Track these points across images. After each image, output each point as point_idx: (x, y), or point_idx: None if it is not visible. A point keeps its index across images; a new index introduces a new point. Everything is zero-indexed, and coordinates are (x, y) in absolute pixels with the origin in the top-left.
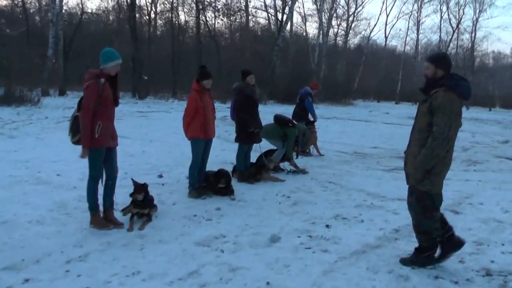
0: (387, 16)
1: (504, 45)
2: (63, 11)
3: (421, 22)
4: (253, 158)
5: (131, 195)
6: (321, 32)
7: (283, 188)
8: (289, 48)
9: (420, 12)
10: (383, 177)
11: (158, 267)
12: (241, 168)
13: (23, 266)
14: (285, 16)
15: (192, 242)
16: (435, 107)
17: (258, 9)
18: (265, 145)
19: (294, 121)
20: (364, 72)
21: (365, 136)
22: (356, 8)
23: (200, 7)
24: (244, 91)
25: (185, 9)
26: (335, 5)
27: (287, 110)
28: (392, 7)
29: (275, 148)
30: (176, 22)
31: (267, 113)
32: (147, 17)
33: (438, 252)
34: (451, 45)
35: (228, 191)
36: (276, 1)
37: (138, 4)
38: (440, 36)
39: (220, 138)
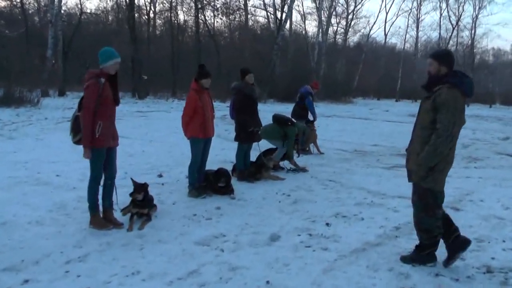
0: (387, 13)
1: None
2: (62, 11)
3: (420, 19)
4: (253, 157)
5: (131, 194)
6: (320, 30)
7: (283, 187)
8: (288, 47)
9: (420, 9)
10: (383, 175)
11: (158, 267)
12: (240, 167)
13: (23, 267)
14: (284, 15)
15: (191, 241)
16: (439, 104)
17: (257, 7)
18: (264, 144)
19: (293, 119)
20: (364, 70)
21: (365, 134)
22: (355, 6)
23: (199, 6)
24: (243, 90)
25: (184, 9)
26: (334, 3)
27: (287, 109)
28: (391, 5)
29: (274, 147)
30: (175, 21)
31: (267, 111)
32: (146, 17)
33: (445, 255)
34: (451, 42)
35: (228, 190)
36: (275, 0)
37: (137, 4)
38: (439, 33)
39: (220, 137)
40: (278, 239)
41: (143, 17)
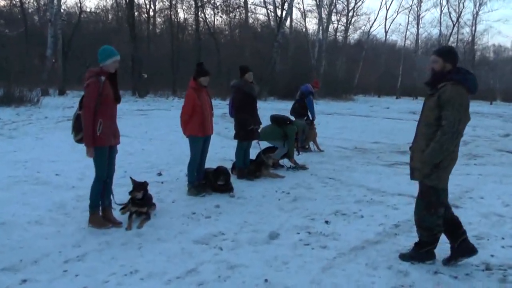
0: (387, 10)
1: (505, 38)
2: (62, 10)
3: (421, 16)
4: (253, 155)
5: (130, 193)
6: (320, 27)
7: (282, 185)
8: (288, 44)
9: (420, 6)
10: (383, 172)
11: (157, 265)
12: (240, 165)
13: (21, 267)
14: (284, 12)
15: (190, 240)
16: (444, 101)
17: (257, 5)
18: (264, 142)
19: (292, 117)
20: (365, 67)
21: (365, 131)
22: (355, 3)
23: (199, 4)
24: (242, 88)
25: (184, 7)
26: (334, 0)
27: (287, 107)
28: (392, 2)
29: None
30: (175, 19)
31: (267, 109)
32: (146, 15)
33: (446, 253)
34: (451, 39)
35: (227, 188)
36: None
37: (136, 2)
38: (440, 30)
39: (220, 135)
40: (277, 237)
41: (143, 16)
